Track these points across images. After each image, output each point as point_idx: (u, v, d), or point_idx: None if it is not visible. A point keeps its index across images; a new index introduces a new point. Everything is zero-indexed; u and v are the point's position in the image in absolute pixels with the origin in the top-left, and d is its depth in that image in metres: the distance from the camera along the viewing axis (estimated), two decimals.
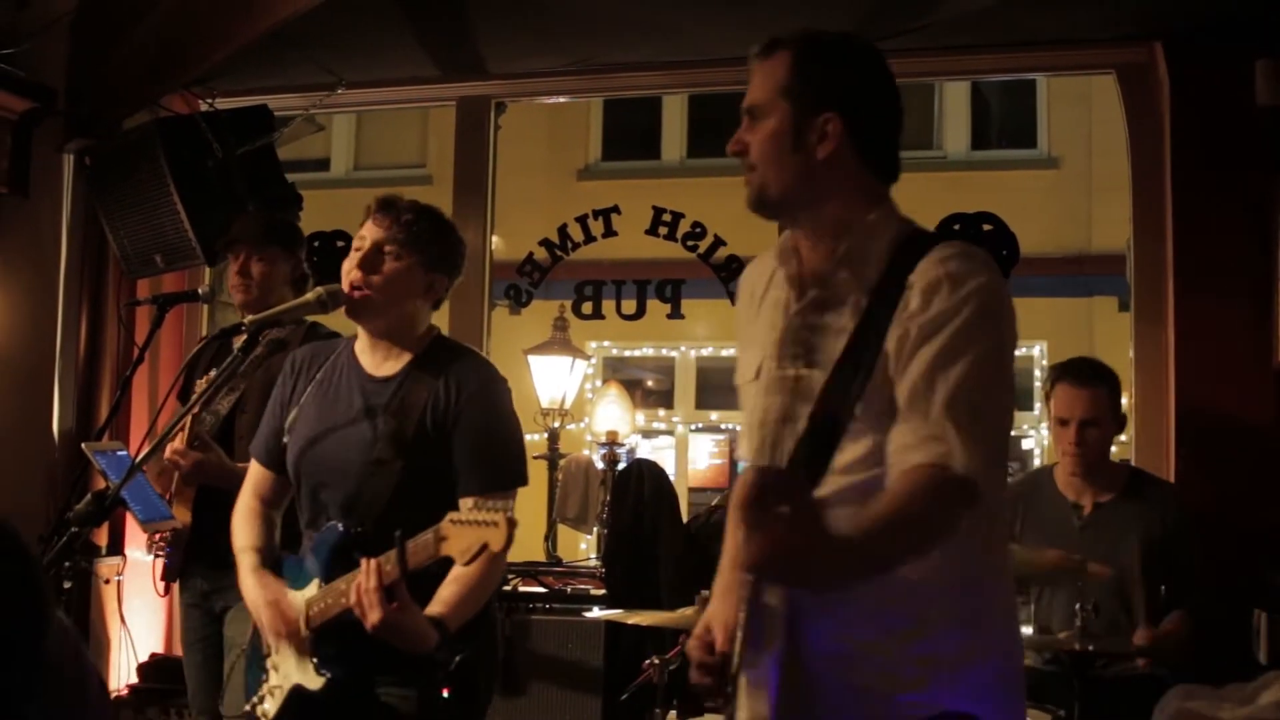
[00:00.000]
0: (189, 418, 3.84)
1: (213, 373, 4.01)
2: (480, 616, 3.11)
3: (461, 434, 3.09)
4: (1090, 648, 3.85)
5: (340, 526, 3.03)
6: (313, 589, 3.05)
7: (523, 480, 3.20)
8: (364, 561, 2.86)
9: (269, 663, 3.16)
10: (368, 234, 3.16)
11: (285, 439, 3.24)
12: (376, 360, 3.21)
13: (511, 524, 2.62)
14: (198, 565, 4.13)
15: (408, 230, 3.14)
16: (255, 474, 3.35)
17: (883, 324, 2.21)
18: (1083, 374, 4.44)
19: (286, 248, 4.36)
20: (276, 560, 3.22)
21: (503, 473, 3.14)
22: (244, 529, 3.29)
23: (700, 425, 12.35)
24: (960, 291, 2.19)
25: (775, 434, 2.30)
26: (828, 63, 2.34)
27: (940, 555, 2.15)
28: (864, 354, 2.21)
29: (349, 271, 3.14)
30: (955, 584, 2.23)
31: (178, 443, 3.93)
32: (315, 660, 3.01)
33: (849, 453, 2.21)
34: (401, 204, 3.19)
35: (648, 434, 12.15)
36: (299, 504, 3.24)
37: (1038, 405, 10.20)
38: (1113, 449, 4.58)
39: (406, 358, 3.18)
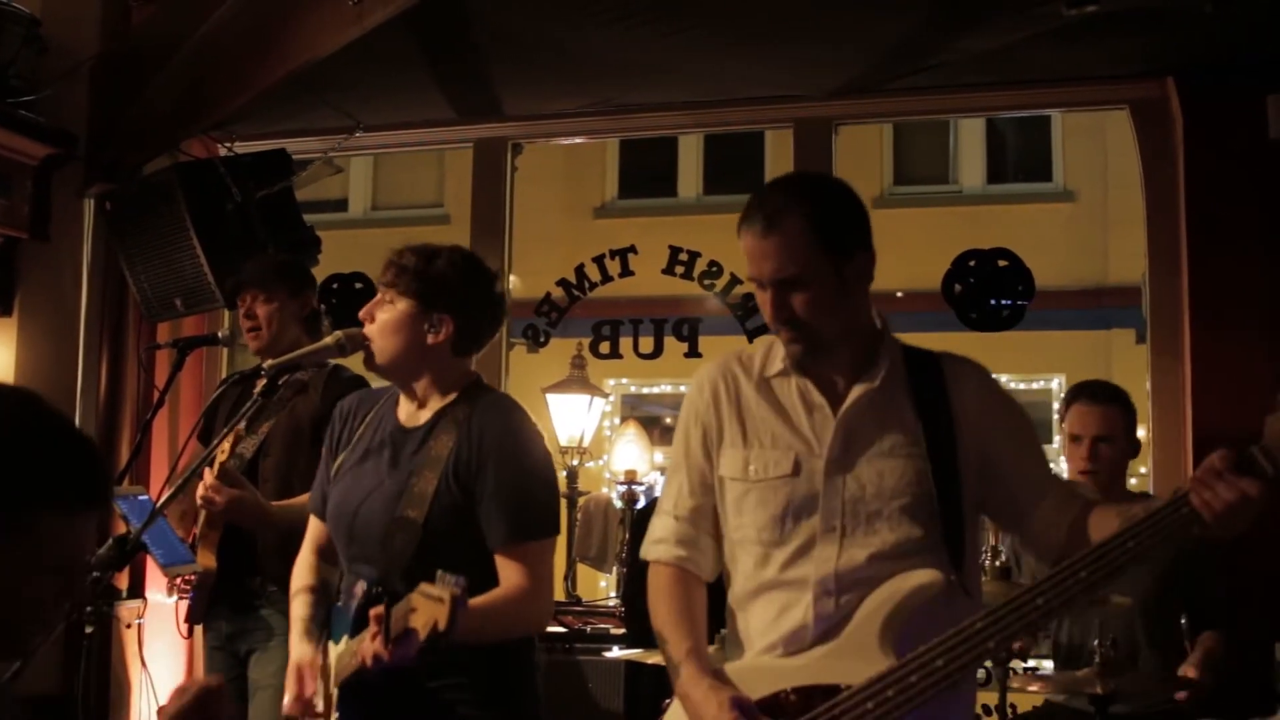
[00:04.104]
0: (210, 462, 3.86)
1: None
2: (518, 684, 3.10)
3: (484, 485, 3.00)
4: (1113, 687, 3.83)
5: (365, 585, 3.02)
6: (344, 644, 3.05)
7: (553, 529, 3.10)
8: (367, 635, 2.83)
9: None
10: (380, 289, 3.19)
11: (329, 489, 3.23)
12: (410, 410, 3.17)
13: (456, 601, 2.50)
14: (222, 608, 4.13)
15: (394, 272, 3.11)
16: (313, 527, 3.32)
17: (944, 421, 2.55)
18: (1097, 392, 4.45)
19: (292, 288, 4.37)
20: (329, 609, 3.21)
21: (528, 523, 3.03)
22: (299, 574, 3.30)
23: None
24: (1003, 394, 2.66)
25: (829, 527, 2.53)
26: (838, 210, 2.58)
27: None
28: (942, 439, 2.54)
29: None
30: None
31: (209, 479, 3.93)
32: (336, 715, 3.02)
33: (969, 529, 2.56)
34: (400, 249, 3.16)
35: (665, 470, 12.12)
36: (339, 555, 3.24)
37: (1057, 439, 10.17)
38: (1132, 481, 4.57)
39: (436, 406, 3.14)
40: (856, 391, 2.56)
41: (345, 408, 3.32)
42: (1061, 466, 4.59)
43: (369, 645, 2.72)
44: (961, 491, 2.51)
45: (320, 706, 3.04)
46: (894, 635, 2.39)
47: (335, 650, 3.07)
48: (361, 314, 3.15)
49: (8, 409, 1.80)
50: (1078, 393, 4.49)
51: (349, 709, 3.01)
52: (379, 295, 3.16)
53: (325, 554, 3.30)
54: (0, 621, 1.76)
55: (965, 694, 2.60)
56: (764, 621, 2.57)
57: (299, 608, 3.22)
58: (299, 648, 3.14)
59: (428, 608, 2.58)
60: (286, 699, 3.10)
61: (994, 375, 2.65)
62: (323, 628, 3.17)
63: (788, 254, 2.51)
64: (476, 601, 2.82)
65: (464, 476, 3.01)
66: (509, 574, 2.97)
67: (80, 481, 1.80)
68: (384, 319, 3.12)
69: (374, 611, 2.72)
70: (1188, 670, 4.16)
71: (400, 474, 3.06)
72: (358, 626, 2.96)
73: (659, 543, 2.74)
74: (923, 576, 2.42)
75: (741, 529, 2.62)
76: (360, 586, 3.01)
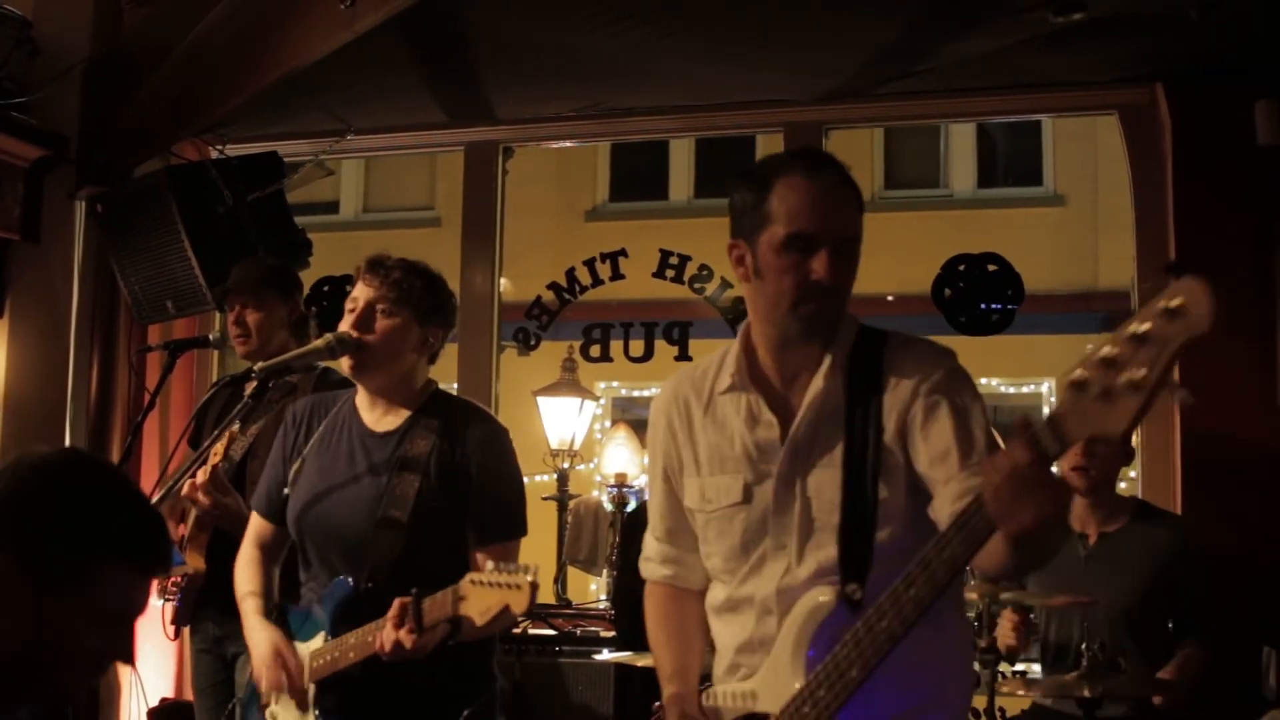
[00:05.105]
0: (200, 464, 3.85)
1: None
2: (485, 679, 3.18)
3: (469, 484, 3.12)
4: (1100, 690, 3.84)
5: (350, 582, 3.04)
6: (318, 642, 3.06)
7: (525, 530, 3.23)
8: (387, 624, 2.85)
9: (267, 713, 3.17)
10: (360, 295, 3.23)
11: (286, 491, 3.26)
12: (377, 415, 3.24)
13: (534, 587, 2.62)
14: (209, 610, 4.13)
15: (397, 287, 3.19)
16: (256, 525, 3.38)
17: (873, 412, 2.43)
18: None
19: (280, 293, 4.38)
20: (279, 610, 3.24)
21: (510, 522, 3.18)
22: (246, 575, 3.33)
23: None
24: (939, 369, 2.45)
25: (779, 545, 2.50)
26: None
27: (950, 629, 2.50)
28: (866, 443, 2.43)
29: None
30: (957, 649, 2.60)
31: (199, 478, 3.93)
32: (317, 713, 3.03)
33: (884, 532, 2.42)
34: (389, 262, 3.24)
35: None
36: (302, 558, 3.25)
37: None
38: (1121, 485, 4.58)
39: (406, 413, 3.22)
40: (803, 407, 2.50)
41: (298, 412, 3.39)
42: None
43: (390, 633, 2.80)
44: (875, 500, 2.43)
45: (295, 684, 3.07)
46: (801, 658, 2.40)
47: (308, 646, 3.09)
48: (356, 322, 3.18)
49: (89, 468, 1.93)
50: None
51: (331, 705, 3.03)
52: (369, 303, 3.19)
53: (268, 550, 3.37)
54: (56, 666, 1.82)
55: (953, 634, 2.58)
56: (728, 634, 2.62)
57: (252, 605, 3.26)
58: (266, 632, 3.17)
59: (488, 595, 2.66)
60: (265, 686, 3.11)
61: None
62: (277, 623, 3.21)
63: (858, 212, 2.49)
64: None
65: (447, 477, 3.11)
66: None
67: (148, 544, 1.89)
68: (390, 330, 3.18)
69: (400, 600, 2.80)
70: (1166, 674, 4.18)
71: (379, 477, 3.13)
72: (341, 625, 2.98)
73: (647, 560, 2.80)
74: (812, 599, 2.41)
75: (710, 557, 2.65)
76: (342, 585, 3.04)
